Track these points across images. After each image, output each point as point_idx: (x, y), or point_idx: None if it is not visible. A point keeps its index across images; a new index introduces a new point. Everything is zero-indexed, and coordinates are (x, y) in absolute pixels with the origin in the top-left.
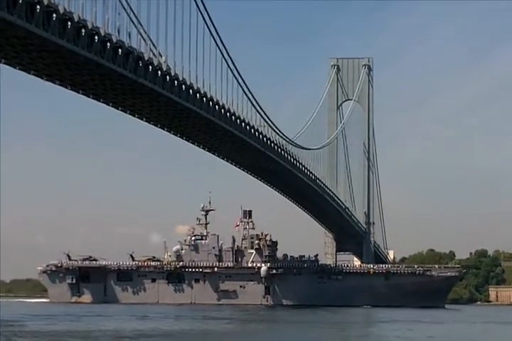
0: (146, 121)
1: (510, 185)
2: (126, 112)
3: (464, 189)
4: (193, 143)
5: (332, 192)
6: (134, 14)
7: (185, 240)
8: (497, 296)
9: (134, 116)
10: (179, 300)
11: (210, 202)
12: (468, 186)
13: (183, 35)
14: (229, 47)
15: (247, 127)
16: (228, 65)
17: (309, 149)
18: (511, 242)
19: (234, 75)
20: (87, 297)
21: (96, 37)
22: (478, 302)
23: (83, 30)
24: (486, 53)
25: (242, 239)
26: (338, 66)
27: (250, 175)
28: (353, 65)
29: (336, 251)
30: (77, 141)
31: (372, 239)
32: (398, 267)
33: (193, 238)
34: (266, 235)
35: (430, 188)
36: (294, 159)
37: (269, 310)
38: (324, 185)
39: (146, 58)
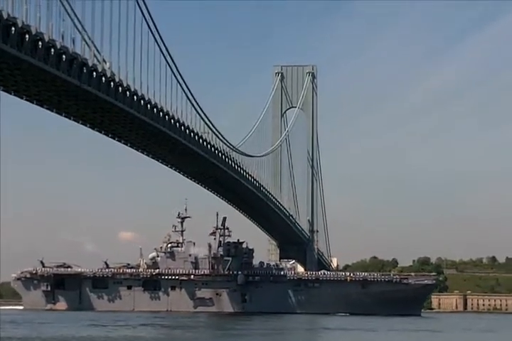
0: (89, 127)
1: (453, 193)
2: (70, 118)
3: (407, 197)
4: (137, 150)
5: (276, 199)
6: (79, 20)
7: (161, 247)
8: (439, 303)
9: (78, 122)
10: (155, 307)
11: (186, 209)
12: (412, 195)
13: (127, 41)
14: (173, 54)
15: (191, 134)
16: (172, 72)
17: (253, 156)
18: (453, 250)
19: (178, 82)
20: (62, 304)
21: (40, 43)
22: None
23: (27, 36)
24: (430, 60)
25: (218, 247)
26: (282, 73)
27: (194, 181)
28: (297, 73)
29: (280, 259)
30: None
31: (315, 246)
32: (375, 275)
33: (169, 245)
34: (242, 243)
35: (373, 196)
36: (237, 166)
37: (233, 317)
38: (268, 192)
39: (90, 64)
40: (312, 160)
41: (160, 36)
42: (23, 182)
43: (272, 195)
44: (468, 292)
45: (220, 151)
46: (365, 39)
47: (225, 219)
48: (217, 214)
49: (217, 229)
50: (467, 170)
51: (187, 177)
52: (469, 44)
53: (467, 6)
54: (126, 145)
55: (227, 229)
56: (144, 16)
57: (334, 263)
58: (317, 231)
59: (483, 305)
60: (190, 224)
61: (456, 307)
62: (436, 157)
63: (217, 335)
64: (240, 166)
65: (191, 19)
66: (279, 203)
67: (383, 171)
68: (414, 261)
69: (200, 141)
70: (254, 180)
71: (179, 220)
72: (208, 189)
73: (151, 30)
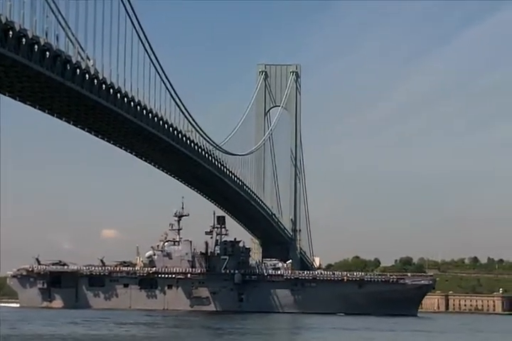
0: (73, 124)
1: (436, 194)
2: (53, 115)
3: (389, 197)
4: (121, 147)
5: (259, 198)
6: (62, 17)
7: (158, 246)
8: (421, 304)
9: (62, 119)
10: (152, 306)
11: (183, 208)
12: (394, 194)
13: (111, 39)
14: (157, 52)
15: (175, 132)
16: (156, 70)
17: (237, 155)
18: (436, 250)
19: (162, 80)
20: (58, 302)
21: (24, 39)
22: None
23: (11, 32)
24: (417, 60)
25: (215, 245)
26: (266, 72)
27: (177, 180)
28: (280, 72)
29: (262, 258)
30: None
31: (298, 245)
32: (372, 275)
33: (166, 244)
34: (239, 242)
35: (356, 196)
36: (221, 165)
37: (228, 316)
38: (251, 191)
39: (73, 61)
40: (295, 160)
41: (144, 34)
42: (19, 182)
43: (254, 194)
44: (450, 292)
45: (204, 150)
46: (352, 39)
47: (223, 218)
48: (214, 213)
49: (213, 227)
50: (451, 172)
51: (170, 174)
52: (456, 44)
53: (455, 6)
54: (110, 142)
55: (224, 228)
56: (128, 14)
57: (317, 262)
58: (300, 230)
59: (465, 305)
60: (187, 223)
61: (438, 307)
62: (420, 158)
63: (202, 334)
64: (223, 165)
65: (176, 17)
66: (262, 202)
67: (367, 171)
68: (396, 260)
69: (184, 139)
70: (237, 178)
71: (176, 219)
72: (190, 187)
73: (135, 28)
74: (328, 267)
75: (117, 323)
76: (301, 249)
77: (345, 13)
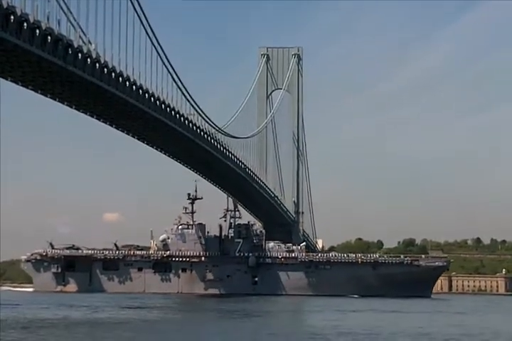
0: (75, 108)
1: (438, 176)
2: (55, 100)
3: (392, 179)
4: (123, 131)
5: (261, 180)
6: (64, 1)
7: (171, 229)
8: None
9: (64, 103)
10: (166, 289)
11: (196, 191)
12: (397, 176)
13: (112, 23)
14: (159, 36)
15: (177, 115)
16: (158, 53)
17: (239, 138)
18: (439, 232)
19: (163, 63)
20: (72, 286)
21: (25, 24)
22: None
23: (12, 17)
24: (413, 45)
25: (229, 228)
26: (267, 55)
27: (180, 163)
28: (282, 54)
29: (265, 240)
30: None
31: (301, 228)
32: (386, 257)
33: (180, 227)
34: (253, 225)
35: (358, 178)
36: (223, 147)
37: (241, 299)
38: (254, 173)
39: (75, 46)
40: (297, 142)
41: (146, 18)
42: (23, 169)
43: (257, 176)
44: (453, 273)
45: (206, 133)
46: (352, 22)
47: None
48: (228, 197)
49: (227, 211)
50: (452, 153)
51: (172, 158)
52: (456, 29)
53: None
54: (112, 126)
55: (238, 211)
56: None
57: (319, 244)
58: (302, 212)
59: (468, 286)
60: (200, 206)
61: (442, 288)
62: (422, 140)
63: (212, 317)
64: (225, 147)
65: (177, 1)
66: (265, 184)
67: (369, 153)
68: (399, 242)
69: (186, 122)
70: (239, 161)
71: (189, 202)
72: (193, 170)
73: (136, 12)
74: (331, 249)
75: (130, 307)
76: (304, 231)
77: None
